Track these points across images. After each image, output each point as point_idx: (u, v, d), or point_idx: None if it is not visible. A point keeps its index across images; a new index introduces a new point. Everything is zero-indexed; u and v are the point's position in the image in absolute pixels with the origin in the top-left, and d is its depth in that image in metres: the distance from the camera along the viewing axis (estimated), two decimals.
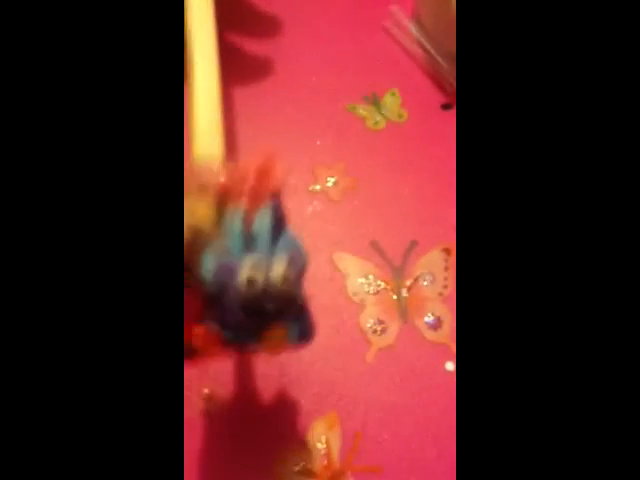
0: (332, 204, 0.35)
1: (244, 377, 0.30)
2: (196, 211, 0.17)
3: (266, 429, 0.28)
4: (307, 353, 0.30)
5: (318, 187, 0.36)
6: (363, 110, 0.39)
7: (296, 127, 0.37)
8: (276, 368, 0.30)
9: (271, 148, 0.19)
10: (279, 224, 0.18)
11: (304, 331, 0.19)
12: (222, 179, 0.18)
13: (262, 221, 0.18)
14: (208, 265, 0.17)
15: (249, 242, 0.17)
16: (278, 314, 0.18)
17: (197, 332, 0.18)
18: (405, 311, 0.32)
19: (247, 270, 0.17)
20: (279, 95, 0.38)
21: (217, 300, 0.17)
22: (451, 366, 0.31)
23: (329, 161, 0.37)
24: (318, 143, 0.37)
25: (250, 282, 0.17)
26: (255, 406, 0.29)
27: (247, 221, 0.18)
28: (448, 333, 0.32)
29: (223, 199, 0.18)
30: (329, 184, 0.36)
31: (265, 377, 0.30)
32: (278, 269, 0.17)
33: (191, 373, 0.29)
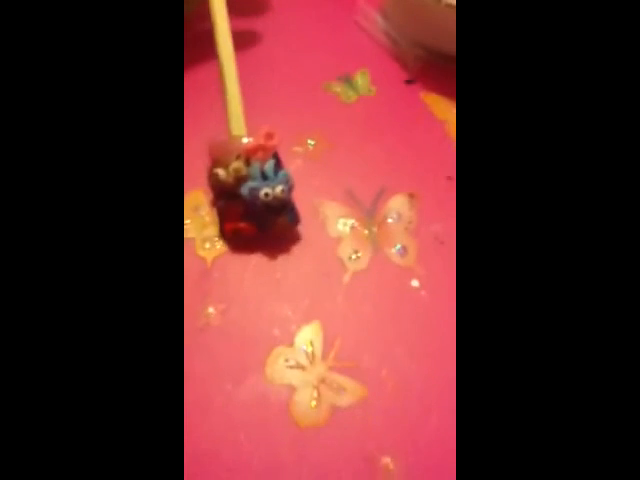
0: (312, 161, 0.41)
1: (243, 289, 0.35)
2: (234, 166, 0.34)
3: (261, 335, 0.34)
4: (297, 275, 0.36)
5: (300, 149, 0.42)
6: (337, 87, 0.46)
7: (281, 99, 0.44)
8: (270, 287, 0.36)
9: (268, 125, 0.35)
10: (277, 166, 0.35)
11: (294, 219, 0.36)
12: (247, 147, 0.35)
13: (269, 166, 0.34)
14: (245, 190, 0.34)
15: (264, 177, 0.34)
16: (280, 209, 0.35)
17: (240, 225, 0.35)
18: (376, 242, 0.38)
19: (264, 190, 0.34)
20: (267, 73, 0.45)
21: (251, 206, 0.34)
22: (416, 283, 0.36)
23: (309, 127, 0.43)
24: (300, 114, 0.44)
25: (266, 194, 0.34)
26: (252, 315, 0.35)
27: (261, 166, 0.34)
28: (413, 258, 0.38)
29: (249, 157, 0.35)
30: (309, 146, 0.42)
31: (260, 293, 0.35)
32: (277, 188, 0.34)
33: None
